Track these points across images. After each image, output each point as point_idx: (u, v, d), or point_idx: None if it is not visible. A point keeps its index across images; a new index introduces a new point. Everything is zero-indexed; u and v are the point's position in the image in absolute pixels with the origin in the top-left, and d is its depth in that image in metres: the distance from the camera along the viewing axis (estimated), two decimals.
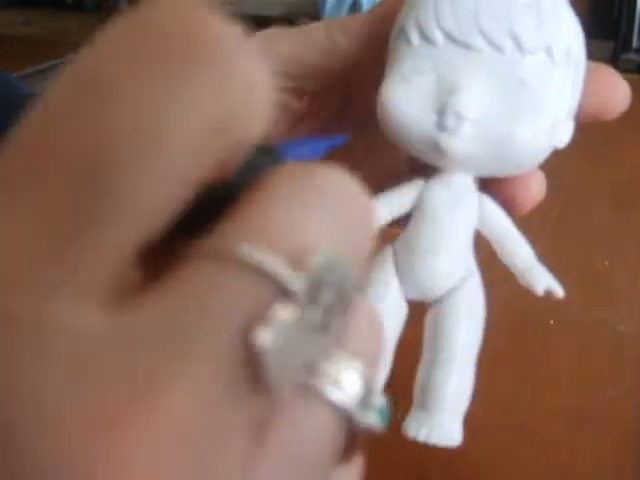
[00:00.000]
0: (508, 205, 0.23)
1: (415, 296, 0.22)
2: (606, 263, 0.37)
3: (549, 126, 0.19)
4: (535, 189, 0.22)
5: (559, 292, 0.20)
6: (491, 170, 0.21)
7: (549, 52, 0.19)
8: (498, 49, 0.19)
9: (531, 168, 0.21)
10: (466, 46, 0.19)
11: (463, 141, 0.19)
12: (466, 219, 0.21)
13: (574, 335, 0.31)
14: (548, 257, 0.34)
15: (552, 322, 0.32)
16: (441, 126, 0.19)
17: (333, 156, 0.32)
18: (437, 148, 0.20)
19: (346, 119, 0.32)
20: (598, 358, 0.29)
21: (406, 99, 0.20)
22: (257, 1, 3.19)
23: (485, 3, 0.19)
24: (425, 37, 0.20)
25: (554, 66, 0.19)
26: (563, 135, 0.21)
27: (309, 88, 0.29)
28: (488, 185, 0.22)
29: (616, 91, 0.22)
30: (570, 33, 0.20)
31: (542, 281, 0.20)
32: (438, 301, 0.21)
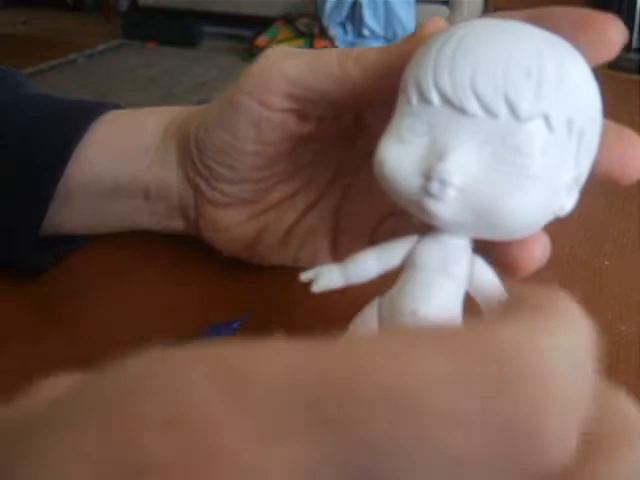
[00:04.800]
0: (510, 268, 0.22)
1: None
2: (606, 263, 0.37)
3: (543, 197, 0.19)
4: (538, 253, 0.21)
5: None
6: (484, 235, 0.20)
7: (547, 121, 0.18)
8: (492, 115, 0.18)
9: (530, 233, 0.21)
10: (461, 109, 0.19)
11: (449, 207, 0.19)
12: (453, 283, 0.20)
13: None
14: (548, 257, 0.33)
15: None
16: (426, 191, 0.19)
17: (337, 185, 0.32)
18: (424, 211, 0.19)
19: (357, 145, 0.32)
20: (598, 358, 0.29)
21: (398, 159, 0.20)
22: (257, 1, 3.20)
23: (483, 67, 0.18)
24: (423, 97, 0.19)
25: (552, 135, 0.18)
26: (565, 204, 0.20)
27: (315, 113, 0.29)
28: (488, 246, 0.21)
29: (636, 157, 0.21)
30: (575, 102, 0.19)
31: None
32: None
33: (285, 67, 0.27)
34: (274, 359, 0.12)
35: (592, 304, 0.36)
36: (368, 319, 0.22)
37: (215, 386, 0.11)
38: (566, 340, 0.12)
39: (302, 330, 0.31)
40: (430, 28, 0.24)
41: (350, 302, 0.24)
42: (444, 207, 0.19)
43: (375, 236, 0.30)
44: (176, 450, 0.11)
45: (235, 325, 0.29)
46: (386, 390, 0.11)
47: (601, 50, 0.21)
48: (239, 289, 0.33)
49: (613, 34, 0.21)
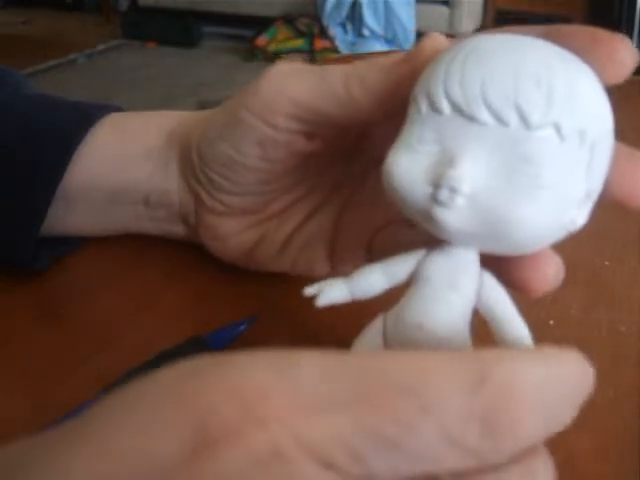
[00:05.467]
0: (521, 288, 0.21)
1: None
2: (606, 263, 0.37)
3: (552, 208, 0.19)
4: (551, 274, 0.21)
5: None
6: (493, 248, 0.20)
7: (558, 129, 0.18)
8: (502, 123, 0.18)
9: (540, 248, 0.20)
10: (471, 118, 0.18)
11: (458, 216, 0.19)
12: (461, 298, 0.20)
13: (574, 335, 0.31)
14: None
15: (552, 322, 0.32)
16: (435, 199, 0.19)
17: (338, 195, 0.32)
18: (432, 221, 0.19)
19: (359, 156, 0.31)
20: (598, 358, 0.29)
21: (407, 168, 0.19)
22: (257, 1, 3.21)
23: (494, 75, 0.18)
24: (433, 106, 0.19)
25: (563, 145, 0.18)
26: (577, 218, 0.20)
27: (320, 132, 0.28)
28: (500, 263, 0.21)
29: None
30: (587, 114, 0.19)
31: None
32: None
33: (289, 89, 0.27)
34: (315, 352, 0.15)
35: (592, 304, 0.36)
36: (374, 334, 0.21)
37: (265, 365, 0.14)
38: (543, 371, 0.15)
39: (306, 333, 0.31)
40: (430, 44, 0.23)
41: (355, 306, 0.24)
42: (453, 216, 0.19)
43: (373, 244, 0.30)
44: (236, 412, 0.13)
45: (241, 328, 0.29)
46: (410, 382, 0.14)
47: (610, 69, 0.20)
48: (242, 292, 0.33)
49: (622, 54, 0.20)
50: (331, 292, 0.22)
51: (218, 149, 0.30)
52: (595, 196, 0.20)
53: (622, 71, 0.20)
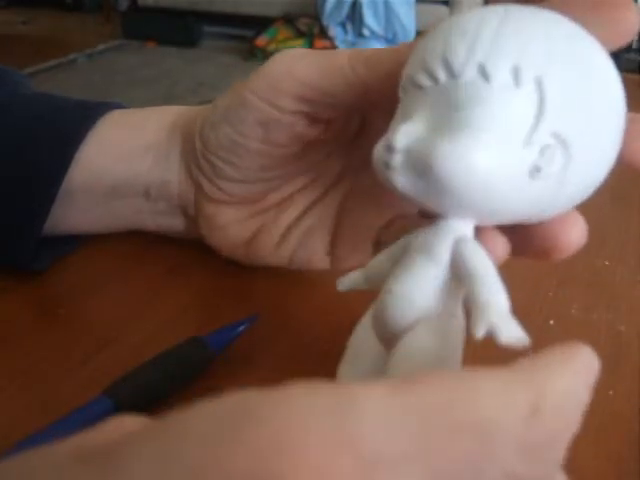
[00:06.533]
0: (549, 248, 0.21)
1: (376, 333, 0.22)
2: (606, 263, 0.37)
3: (488, 152, 0.18)
4: (575, 235, 0.21)
5: (524, 341, 0.17)
6: (465, 212, 0.20)
7: (482, 70, 0.18)
8: (435, 81, 0.19)
9: (517, 209, 0.19)
10: (418, 86, 0.20)
11: (400, 174, 0.19)
12: (434, 266, 0.20)
13: (574, 335, 0.31)
14: None
15: (552, 322, 0.32)
16: (384, 163, 0.20)
17: (339, 187, 0.32)
18: (390, 187, 0.20)
19: (360, 147, 0.31)
20: (598, 358, 0.29)
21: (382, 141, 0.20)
22: (257, 1, 3.20)
23: (443, 42, 0.19)
24: (411, 83, 0.20)
25: (492, 84, 0.18)
26: (541, 165, 0.18)
27: (325, 115, 0.28)
28: (529, 231, 0.21)
29: None
30: (522, 51, 0.18)
31: (502, 331, 0.18)
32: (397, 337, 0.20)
33: (296, 69, 0.27)
34: (374, 390, 0.14)
35: (592, 304, 0.36)
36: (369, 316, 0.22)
37: (325, 410, 0.13)
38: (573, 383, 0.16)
39: (307, 334, 0.31)
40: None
41: (355, 305, 0.24)
42: (397, 175, 0.19)
43: (387, 238, 0.30)
44: (297, 468, 0.12)
45: (242, 328, 0.29)
46: (469, 423, 0.14)
47: (614, 31, 0.19)
48: (243, 291, 0.33)
49: (625, 14, 0.19)
50: (350, 278, 0.24)
51: (221, 132, 0.30)
52: (577, 140, 0.18)
53: (627, 31, 0.20)
